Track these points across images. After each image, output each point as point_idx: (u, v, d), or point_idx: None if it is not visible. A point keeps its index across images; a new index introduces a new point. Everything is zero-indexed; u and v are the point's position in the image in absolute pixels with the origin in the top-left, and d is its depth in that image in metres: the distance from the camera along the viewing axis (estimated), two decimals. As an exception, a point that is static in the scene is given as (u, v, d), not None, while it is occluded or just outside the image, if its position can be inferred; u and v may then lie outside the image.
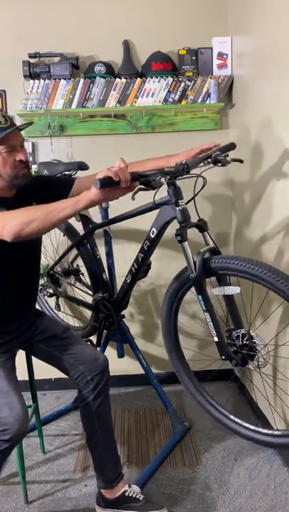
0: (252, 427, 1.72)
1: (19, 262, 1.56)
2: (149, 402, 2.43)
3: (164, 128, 2.42)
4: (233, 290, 1.58)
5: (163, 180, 1.49)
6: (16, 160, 1.47)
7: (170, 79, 2.31)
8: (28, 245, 1.54)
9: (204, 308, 1.60)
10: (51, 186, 1.69)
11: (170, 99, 2.34)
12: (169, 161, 1.67)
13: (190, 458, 1.94)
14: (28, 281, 1.65)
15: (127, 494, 1.59)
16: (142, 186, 1.44)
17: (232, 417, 1.80)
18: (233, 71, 2.35)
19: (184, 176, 1.56)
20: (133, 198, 1.42)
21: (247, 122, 2.15)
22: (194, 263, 1.57)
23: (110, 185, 1.34)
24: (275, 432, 1.65)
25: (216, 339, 1.60)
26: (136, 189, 1.43)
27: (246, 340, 1.60)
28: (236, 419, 1.78)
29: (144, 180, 1.43)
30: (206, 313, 1.60)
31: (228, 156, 1.62)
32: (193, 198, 1.61)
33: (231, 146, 1.68)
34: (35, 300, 1.76)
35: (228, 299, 1.68)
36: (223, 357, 1.62)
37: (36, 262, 1.70)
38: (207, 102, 2.34)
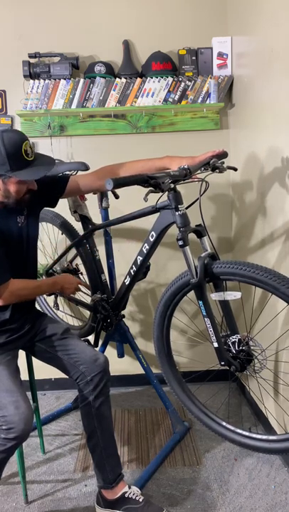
0: (246, 433, 1.70)
1: (16, 264, 1.58)
2: (149, 402, 2.43)
3: (164, 128, 2.42)
4: (233, 295, 1.57)
5: (171, 184, 1.50)
6: (27, 188, 1.51)
7: (170, 79, 2.31)
8: (26, 249, 1.62)
9: (204, 313, 1.59)
10: (46, 187, 1.70)
11: (170, 99, 2.34)
12: (172, 162, 1.67)
13: (190, 458, 1.94)
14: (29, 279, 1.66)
15: (126, 495, 1.59)
16: (152, 188, 1.46)
17: (224, 423, 1.77)
18: (233, 71, 2.35)
19: (187, 181, 1.57)
20: (146, 200, 1.44)
21: (247, 122, 2.15)
22: (195, 268, 1.57)
23: (122, 186, 1.42)
24: (271, 437, 1.63)
25: (215, 345, 1.60)
26: (148, 191, 1.45)
27: (242, 346, 1.60)
28: (229, 426, 1.75)
29: (154, 183, 1.44)
30: (206, 319, 1.60)
31: (223, 163, 1.66)
32: (194, 202, 1.61)
33: (224, 155, 1.70)
34: (35, 298, 1.77)
35: (224, 304, 1.67)
36: (222, 363, 1.61)
37: (33, 262, 1.72)
38: (207, 102, 2.34)
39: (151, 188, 1.46)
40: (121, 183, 1.39)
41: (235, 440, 1.73)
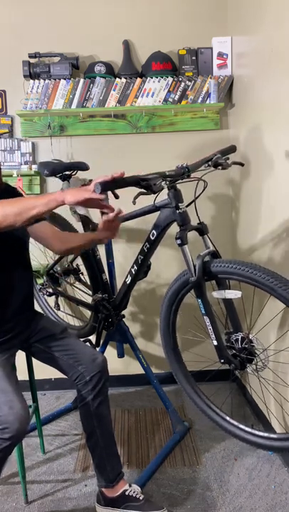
0: (248, 429, 1.72)
1: (5, 262, 1.57)
2: (149, 402, 2.43)
3: (164, 128, 2.42)
4: (233, 294, 1.57)
5: (164, 184, 1.48)
6: None
7: (170, 79, 2.31)
8: (15, 243, 1.60)
9: (204, 311, 1.60)
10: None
11: (170, 99, 2.34)
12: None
13: (190, 458, 1.94)
14: (19, 280, 1.64)
15: (127, 493, 1.59)
16: (143, 190, 1.44)
17: (228, 418, 1.79)
18: (233, 71, 2.35)
19: (184, 180, 1.56)
20: (134, 203, 1.42)
21: (247, 122, 2.15)
22: (194, 266, 1.57)
23: (110, 190, 1.36)
24: (272, 435, 1.65)
25: (215, 343, 1.61)
26: (137, 193, 1.42)
27: (245, 344, 1.60)
28: (232, 421, 1.77)
29: (146, 184, 1.43)
30: (205, 317, 1.60)
31: (228, 159, 1.63)
32: (192, 202, 1.61)
33: (231, 149, 1.67)
34: (31, 299, 1.74)
35: (228, 302, 1.67)
36: (222, 360, 1.62)
37: (25, 260, 1.70)
38: (207, 102, 2.35)
39: (141, 190, 1.43)
40: (110, 187, 1.35)
41: (238, 435, 1.75)
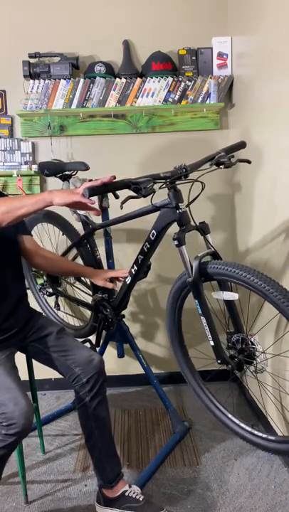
0: (248, 429, 1.72)
1: None
2: (149, 402, 2.43)
3: (164, 128, 2.43)
4: (230, 296, 1.57)
5: (156, 187, 1.46)
6: None
7: (170, 79, 2.31)
8: (5, 243, 1.62)
9: (200, 312, 1.60)
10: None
11: (170, 99, 2.34)
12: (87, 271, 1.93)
13: (190, 458, 1.94)
14: (13, 280, 1.66)
15: (126, 494, 1.59)
16: (133, 194, 1.41)
17: (230, 416, 1.81)
18: (233, 71, 2.35)
19: (181, 182, 1.53)
20: (121, 207, 1.41)
21: (247, 122, 2.15)
22: (191, 267, 1.57)
23: (98, 194, 1.36)
24: (270, 437, 1.66)
25: (211, 343, 1.61)
26: (126, 197, 1.40)
27: (245, 345, 1.60)
28: (234, 419, 1.79)
29: (135, 188, 1.41)
30: (202, 318, 1.60)
31: (233, 157, 1.60)
32: (189, 204, 1.60)
33: (241, 145, 1.64)
34: (26, 298, 1.75)
35: (229, 303, 1.67)
36: (219, 361, 1.62)
37: (16, 260, 1.71)
38: (207, 102, 2.35)
39: (131, 194, 1.40)
40: (99, 191, 1.34)
41: (239, 433, 1.76)
